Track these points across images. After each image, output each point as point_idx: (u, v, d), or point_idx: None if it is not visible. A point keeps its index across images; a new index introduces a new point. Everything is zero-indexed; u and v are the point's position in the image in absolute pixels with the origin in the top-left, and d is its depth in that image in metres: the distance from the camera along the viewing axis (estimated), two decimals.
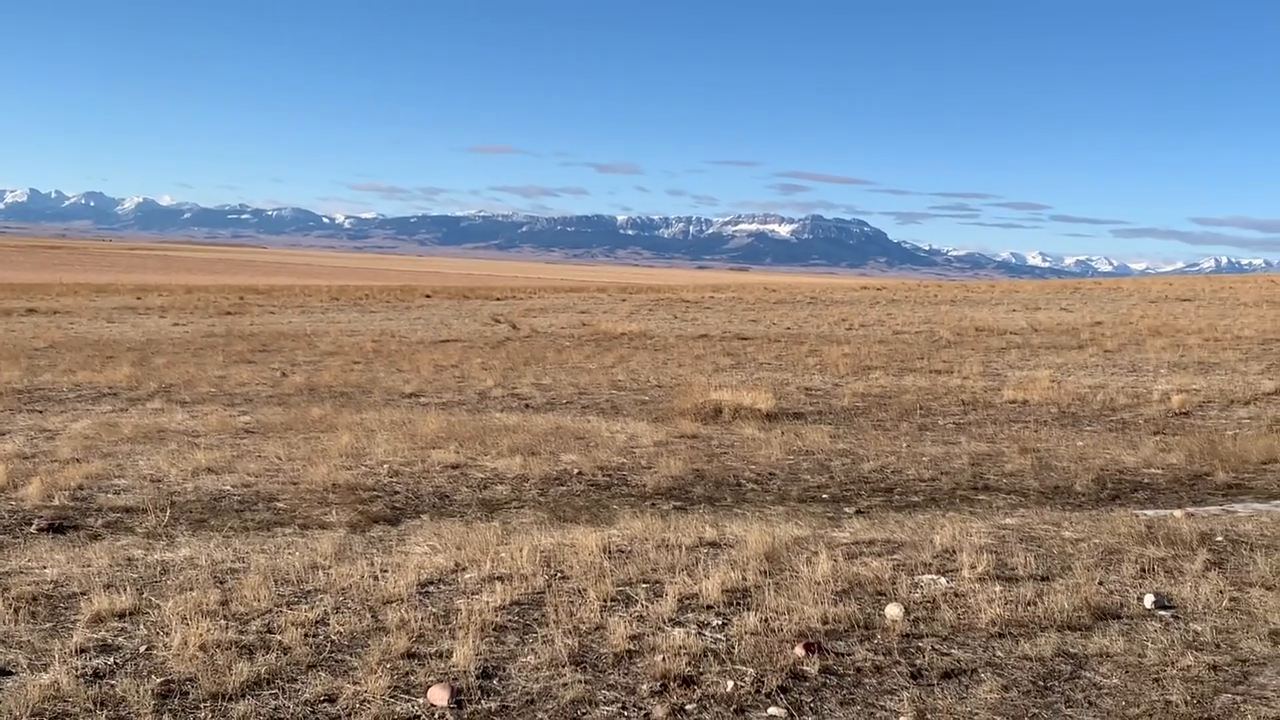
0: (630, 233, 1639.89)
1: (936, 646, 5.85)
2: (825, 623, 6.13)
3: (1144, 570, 7.25)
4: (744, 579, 6.95)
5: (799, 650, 5.67)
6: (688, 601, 6.51)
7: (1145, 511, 9.38)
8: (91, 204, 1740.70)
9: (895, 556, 7.60)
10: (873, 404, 16.47)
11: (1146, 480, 11.19)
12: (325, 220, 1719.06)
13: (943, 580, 6.98)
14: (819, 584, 6.79)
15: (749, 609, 6.34)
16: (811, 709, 5.13)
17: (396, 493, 10.28)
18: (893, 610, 6.30)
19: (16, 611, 6.21)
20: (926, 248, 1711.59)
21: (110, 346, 25.17)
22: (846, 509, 9.83)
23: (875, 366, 21.27)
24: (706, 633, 5.99)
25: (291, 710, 5.01)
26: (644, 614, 6.28)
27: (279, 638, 5.84)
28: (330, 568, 7.22)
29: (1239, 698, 5.26)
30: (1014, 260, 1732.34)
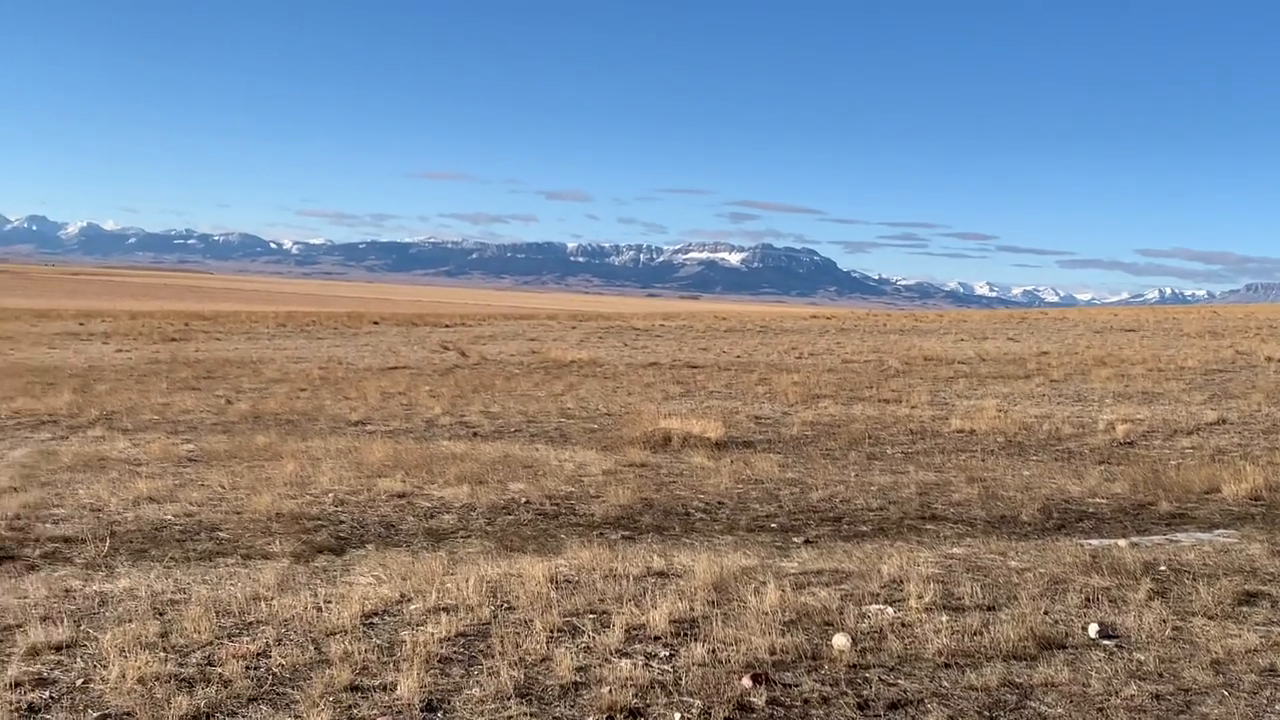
0: (580, 260, 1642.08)
1: (883, 677, 5.85)
2: (773, 653, 6.12)
3: (1089, 600, 7.31)
4: (692, 609, 6.92)
5: (746, 681, 5.66)
6: (635, 632, 6.47)
7: (1090, 541, 9.47)
8: (34, 228, 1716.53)
9: (843, 586, 7.61)
10: (822, 433, 16.54)
11: (1091, 510, 11.30)
12: (273, 246, 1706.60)
13: (890, 610, 7.00)
14: (767, 614, 6.78)
15: (696, 640, 6.31)
16: None
17: (342, 522, 10.17)
18: (840, 641, 6.30)
19: None
20: (875, 277, 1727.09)
21: (51, 373, 24.76)
22: (795, 539, 9.83)
23: (824, 395, 21.37)
24: (654, 664, 5.96)
25: None
26: (591, 645, 6.24)
27: (220, 670, 5.74)
28: (273, 599, 7.12)
29: None
30: (962, 290, 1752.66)
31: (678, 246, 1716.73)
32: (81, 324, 47.15)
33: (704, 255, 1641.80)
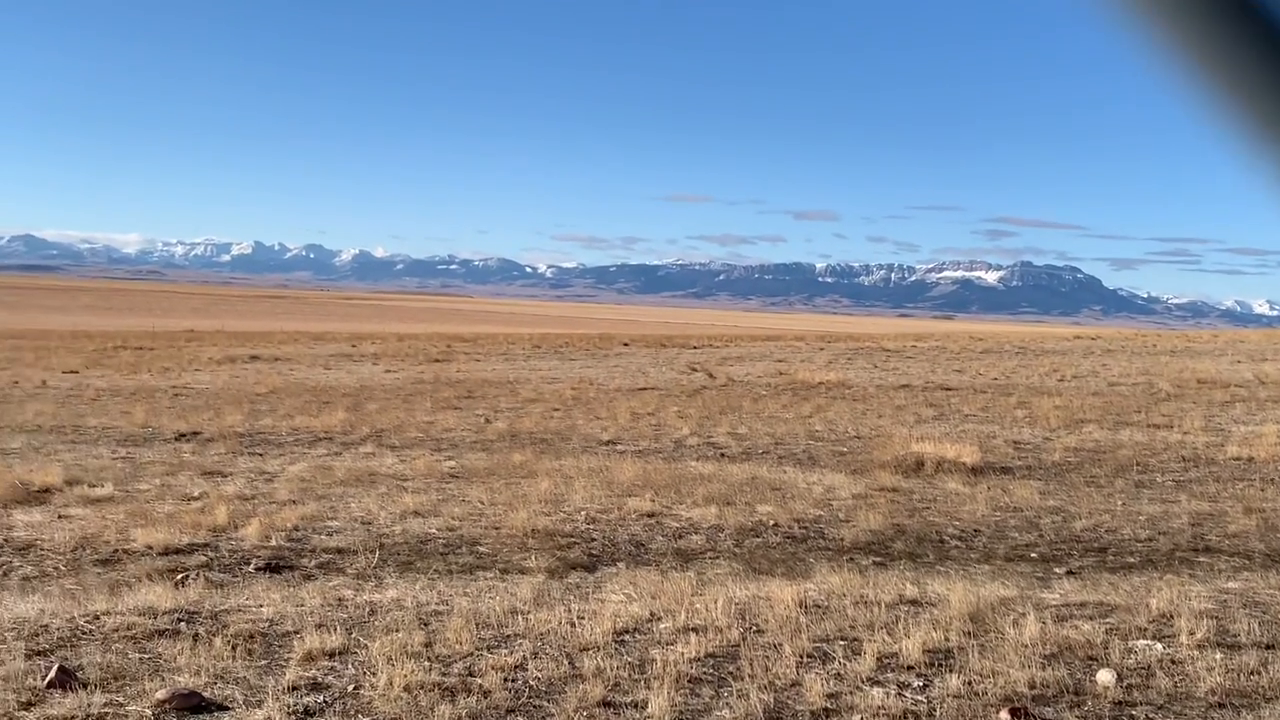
0: (829, 280, 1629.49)
1: (1150, 716, 5.54)
2: (1032, 687, 5.88)
3: None
4: (946, 639, 6.73)
5: (1004, 715, 5.45)
6: (887, 660, 6.34)
7: None
8: (311, 255, 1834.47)
9: (1108, 620, 7.24)
10: (1085, 459, 15.80)
11: None
12: (528, 270, 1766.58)
13: (1159, 646, 6.61)
14: (1026, 647, 6.52)
15: (951, 670, 6.13)
16: None
17: (593, 540, 10.38)
18: (1104, 676, 5.99)
19: (234, 648, 6.50)
20: (1144, 295, 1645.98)
21: (326, 392, 26.33)
22: (1056, 569, 9.42)
23: (1088, 419, 20.43)
24: (907, 693, 5.81)
25: None
26: (841, 672, 6.14)
27: (480, 681, 5.95)
28: (529, 613, 7.32)
29: None
30: (1239, 309, 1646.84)
31: (931, 265, 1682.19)
32: (354, 346, 49.97)
33: (958, 274, 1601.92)
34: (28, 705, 5.57)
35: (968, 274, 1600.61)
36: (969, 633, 6.90)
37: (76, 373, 31.14)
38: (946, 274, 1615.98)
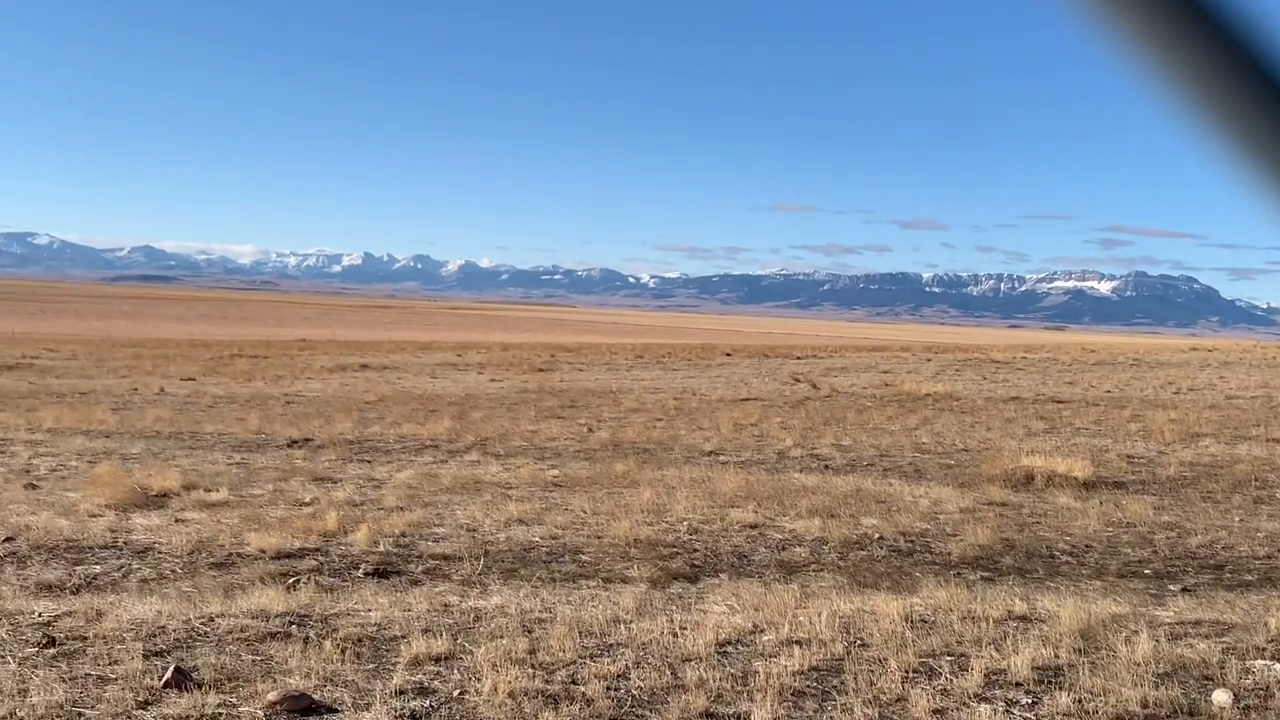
0: (936, 290, 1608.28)
1: None
2: (1145, 706, 5.73)
3: None
4: (1056, 656, 6.59)
5: None
6: (995, 677, 6.23)
7: None
8: (419, 266, 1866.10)
9: (1224, 639, 7.02)
10: (1202, 474, 15.36)
11: None
12: (631, 280, 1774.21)
13: (1278, 667, 6.39)
14: (1138, 665, 6.36)
15: (1061, 688, 6.00)
16: None
17: (695, 550, 10.37)
18: (1220, 697, 5.81)
19: (343, 651, 6.64)
20: (1264, 306, 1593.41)
21: (432, 401, 26.73)
22: (1170, 586, 9.17)
23: (1205, 433, 19.85)
24: (1015, 711, 5.71)
25: None
26: (948, 687, 6.06)
27: (583, 689, 5.99)
28: (631, 622, 7.35)
29: None
30: None
31: (1041, 275, 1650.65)
32: (459, 355, 50.68)
33: (1070, 284, 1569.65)
34: (145, 704, 5.75)
35: (1080, 284, 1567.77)
36: (1080, 650, 6.75)
37: (194, 380, 32.06)
38: (1058, 284, 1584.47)
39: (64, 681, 6.02)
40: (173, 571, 9.26)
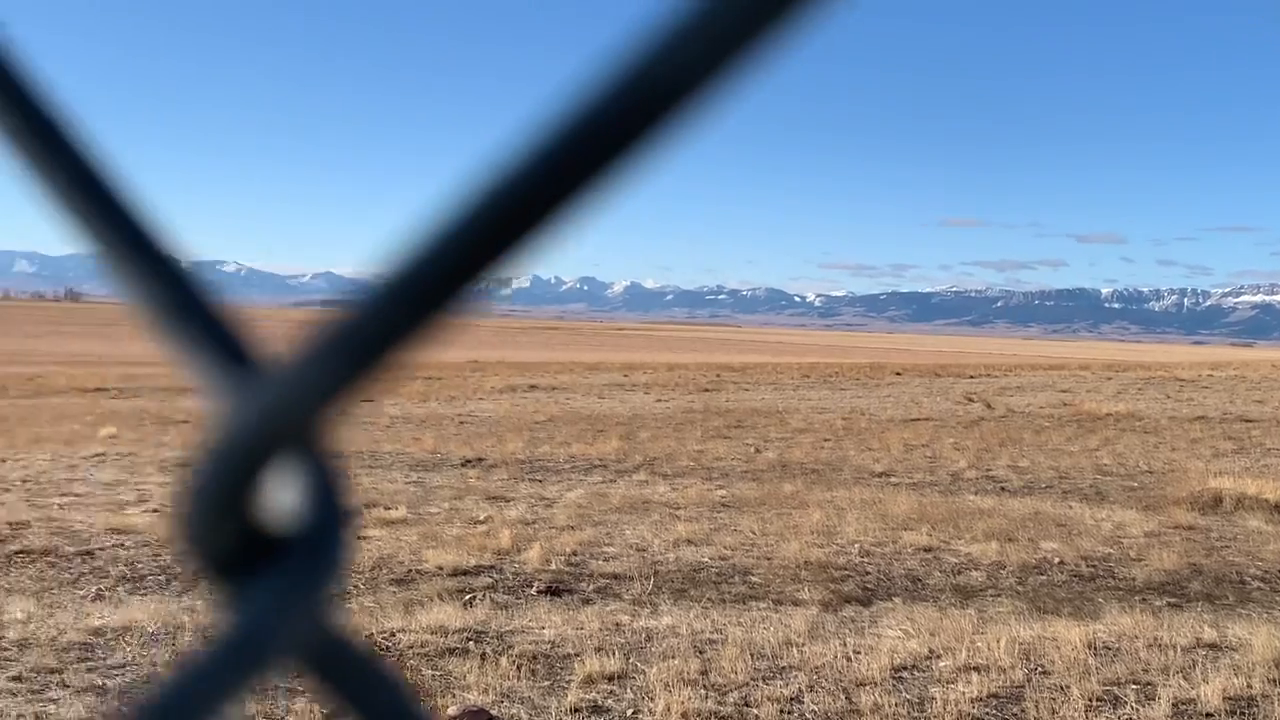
0: (1115, 306, 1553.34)
1: None
2: None
3: None
4: (1249, 686, 6.29)
5: None
6: (1183, 706, 5.98)
7: None
8: (585, 288, 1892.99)
9: None
10: None
11: None
12: (796, 299, 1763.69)
13: None
14: None
15: None
16: None
17: (868, 573, 10.23)
18: None
19: (519, 668, 6.76)
20: None
21: (600, 421, 27.03)
22: None
23: None
24: None
25: None
26: (1133, 717, 5.84)
27: (755, 711, 5.96)
28: (804, 645, 7.29)
29: None
30: None
31: (1227, 289, 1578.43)
32: (625, 375, 51.12)
33: (1258, 298, 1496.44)
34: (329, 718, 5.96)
35: (1268, 298, 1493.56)
36: (1275, 680, 6.43)
37: (372, 400, 33.14)
38: (1245, 298, 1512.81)
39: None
40: (355, 587, 9.57)
